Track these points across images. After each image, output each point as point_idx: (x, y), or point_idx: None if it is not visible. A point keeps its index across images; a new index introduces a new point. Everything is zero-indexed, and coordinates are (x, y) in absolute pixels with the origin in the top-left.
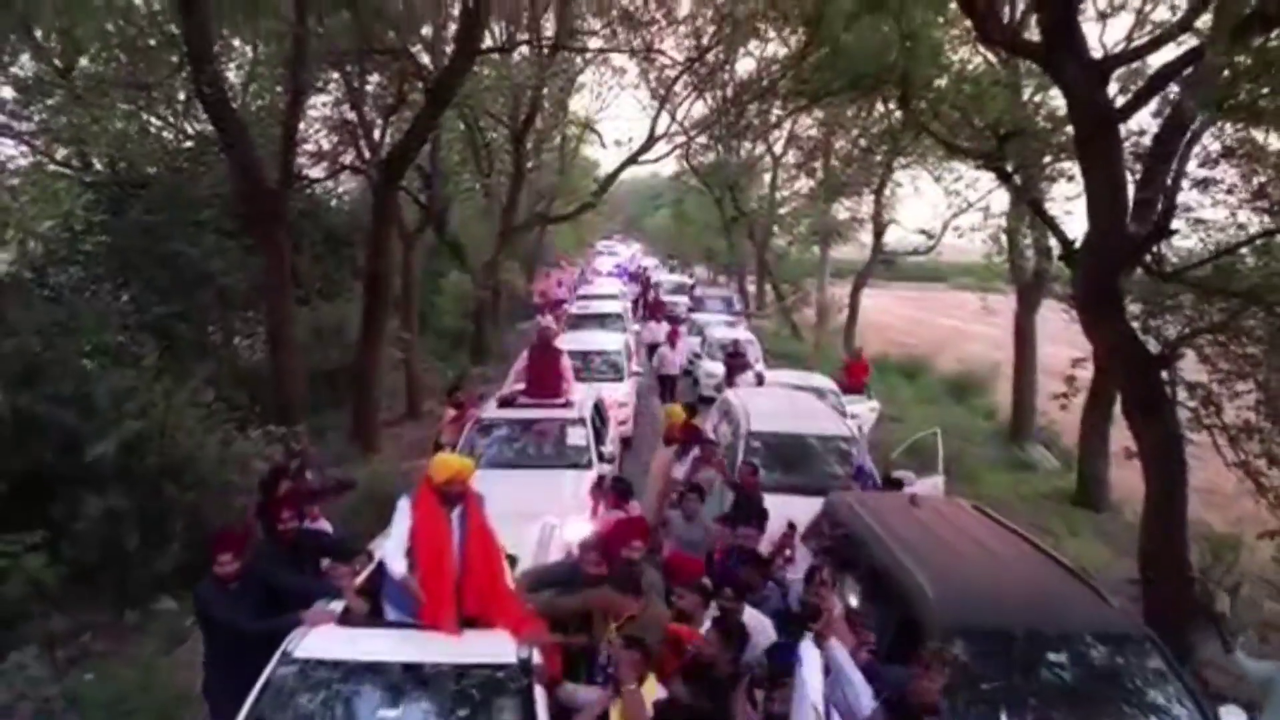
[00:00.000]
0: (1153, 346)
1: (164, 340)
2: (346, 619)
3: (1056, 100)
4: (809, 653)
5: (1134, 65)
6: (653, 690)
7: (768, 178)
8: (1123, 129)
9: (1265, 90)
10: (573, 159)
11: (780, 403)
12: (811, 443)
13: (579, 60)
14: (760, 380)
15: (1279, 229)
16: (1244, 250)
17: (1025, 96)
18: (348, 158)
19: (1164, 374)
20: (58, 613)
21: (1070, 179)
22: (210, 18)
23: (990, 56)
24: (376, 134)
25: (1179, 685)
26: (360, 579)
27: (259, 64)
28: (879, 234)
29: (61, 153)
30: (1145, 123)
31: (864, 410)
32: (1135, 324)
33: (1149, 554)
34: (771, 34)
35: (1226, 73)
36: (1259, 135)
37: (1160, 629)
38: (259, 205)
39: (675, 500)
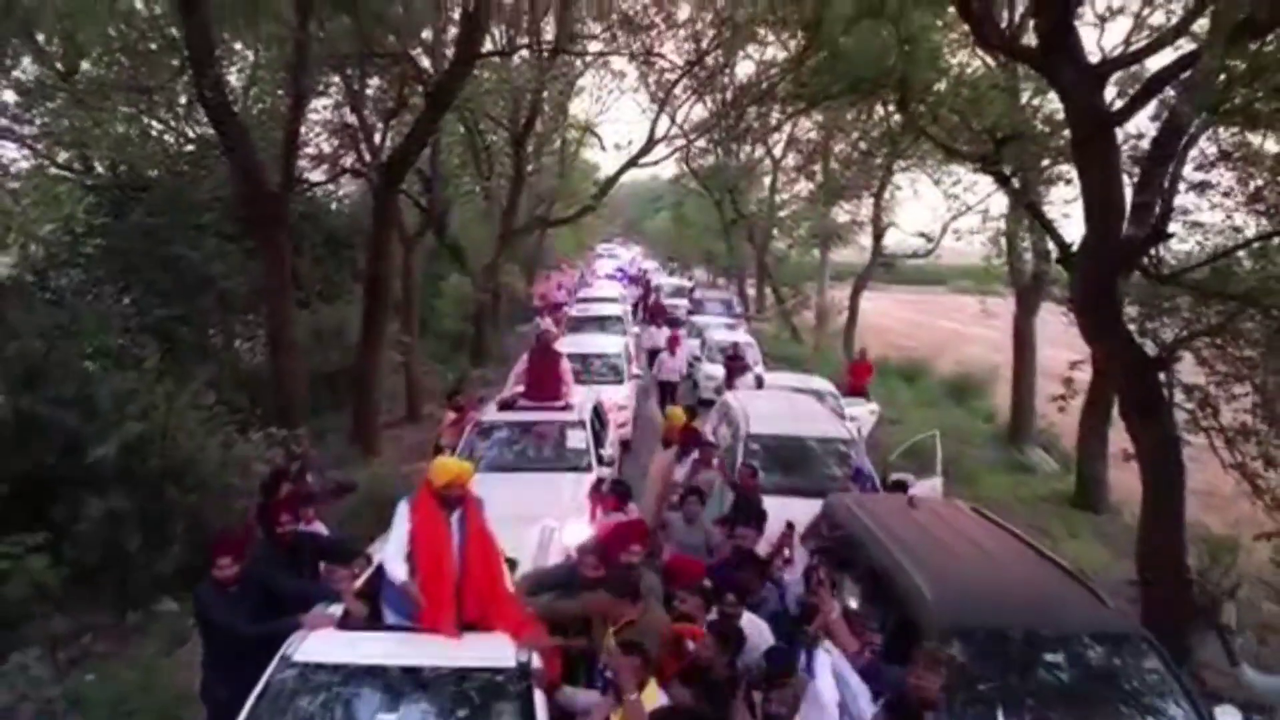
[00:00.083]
0: (1150, 349)
1: (165, 343)
2: (346, 622)
3: (1054, 104)
4: (822, 660)
5: (1132, 69)
6: (653, 695)
7: (767, 181)
8: (1120, 132)
9: (1260, 94)
10: (573, 162)
11: (779, 405)
12: (810, 445)
13: (579, 64)
14: (760, 383)
15: (1276, 232)
16: (1241, 253)
17: (1023, 100)
18: (348, 161)
19: (1161, 376)
20: (59, 614)
21: (1068, 182)
22: (211, 22)
23: (989, 60)
24: (377, 137)
25: (1175, 686)
26: (359, 582)
27: (260, 68)
28: (878, 237)
29: (63, 156)
30: (1143, 126)
31: (863, 412)
32: (1133, 326)
33: (1147, 556)
34: (770, 38)
35: (1223, 77)
36: (1255, 139)
37: (1158, 630)
38: (260, 208)
39: (675, 503)
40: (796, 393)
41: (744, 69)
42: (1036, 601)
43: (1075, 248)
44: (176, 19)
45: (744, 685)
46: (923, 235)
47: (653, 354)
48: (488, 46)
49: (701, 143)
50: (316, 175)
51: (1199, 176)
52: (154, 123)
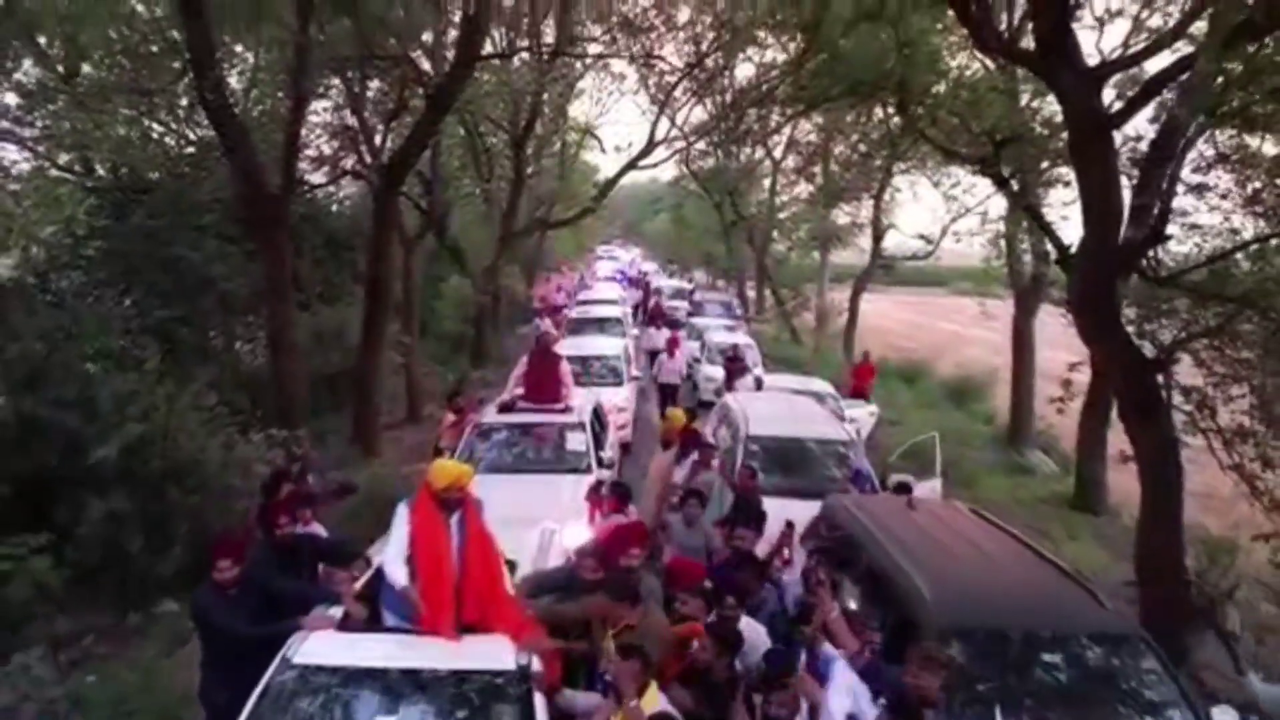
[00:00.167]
0: (1148, 351)
1: (166, 344)
2: (345, 624)
3: (1053, 106)
4: (839, 668)
5: (1130, 71)
6: (654, 699)
7: (767, 183)
8: (1119, 135)
9: (1257, 97)
10: (572, 164)
11: (779, 407)
12: (810, 446)
13: (579, 66)
14: (759, 385)
15: (1273, 234)
16: (1239, 255)
17: (1022, 103)
18: (349, 163)
19: (1159, 378)
20: (61, 615)
21: (1067, 184)
22: (212, 24)
23: (988, 63)
24: (377, 139)
25: (1172, 686)
26: (359, 584)
27: (260, 70)
28: (878, 239)
29: (64, 158)
30: (1142, 128)
31: (862, 414)
32: (1131, 328)
33: (1145, 557)
34: (770, 40)
35: (1220, 80)
36: (1253, 141)
37: (1157, 631)
38: (260, 210)
39: (675, 504)
40: (796, 394)
41: (744, 71)
42: (1035, 602)
43: (1073, 250)
44: (178, 21)
45: (743, 687)
46: (922, 237)
47: (653, 356)
48: (488, 49)
49: (701, 145)
50: (317, 177)
51: (1197, 179)
52: (155, 125)
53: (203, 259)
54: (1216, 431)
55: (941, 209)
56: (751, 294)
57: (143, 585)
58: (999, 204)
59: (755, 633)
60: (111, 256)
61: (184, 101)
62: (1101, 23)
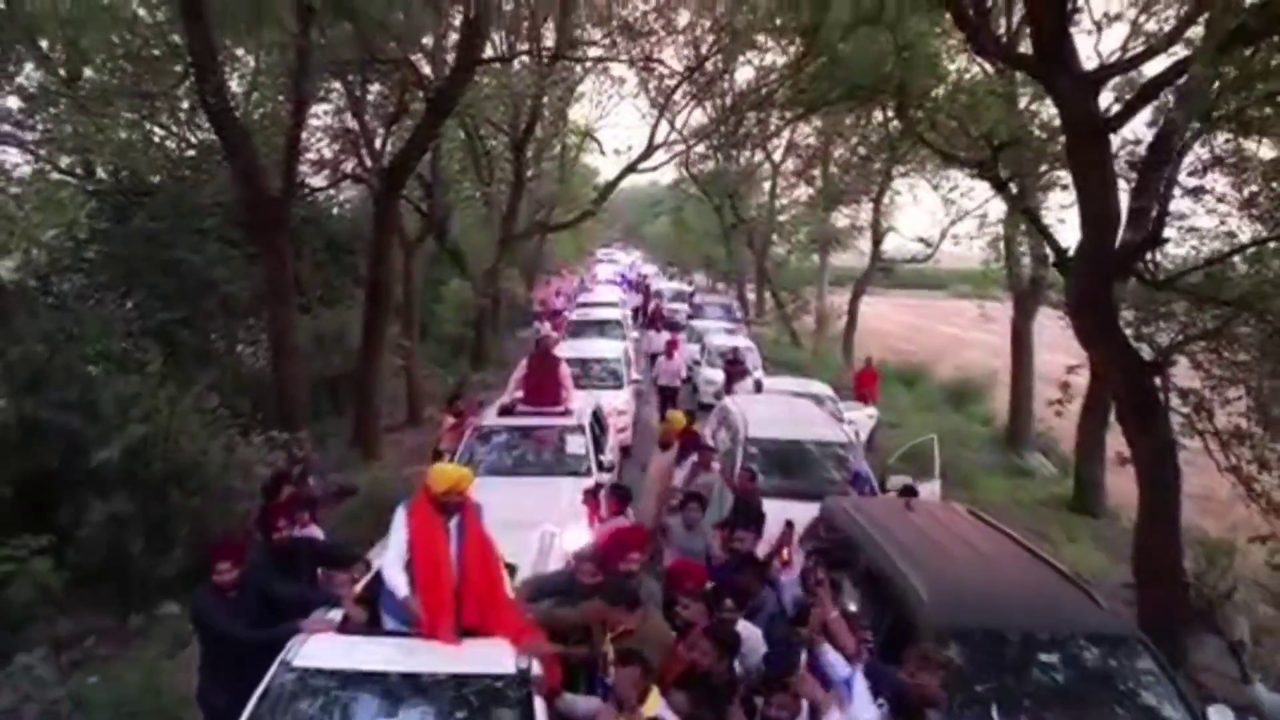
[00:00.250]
0: (1146, 353)
1: (167, 347)
2: (345, 628)
3: (1051, 109)
4: (859, 682)
5: (1129, 75)
6: (655, 703)
7: (767, 185)
8: (1118, 138)
9: (1251, 101)
10: (572, 167)
11: (778, 409)
12: (809, 448)
13: (579, 69)
14: (759, 387)
15: (1270, 238)
16: (1236, 258)
17: (1021, 106)
18: (349, 166)
19: (1157, 380)
20: (62, 616)
21: (1065, 188)
22: (213, 28)
23: (986, 66)
24: (378, 143)
25: (1169, 686)
26: (359, 587)
27: (261, 73)
28: (877, 242)
29: (66, 161)
30: (1140, 132)
31: (861, 416)
32: (1129, 331)
33: (1143, 559)
34: (769, 44)
35: (1216, 84)
36: (1251, 144)
37: (1155, 633)
38: (262, 213)
39: (676, 507)
40: (795, 397)
41: (743, 75)
42: (1032, 603)
43: (1071, 253)
44: (179, 25)
45: (743, 689)
46: (921, 240)
47: (653, 359)
48: (488, 53)
49: (701, 148)
50: (318, 180)
51: (1194, 182)
52: (156, 128)
53: (204, 262)
54: (1214, 433)
55: (941, 212)
56: (751, 297)
57: (144, 587)
58: (998, 207)
59: (752, 635)
60: (113, 259)
61: (185, 105)
62: (1099, 27)
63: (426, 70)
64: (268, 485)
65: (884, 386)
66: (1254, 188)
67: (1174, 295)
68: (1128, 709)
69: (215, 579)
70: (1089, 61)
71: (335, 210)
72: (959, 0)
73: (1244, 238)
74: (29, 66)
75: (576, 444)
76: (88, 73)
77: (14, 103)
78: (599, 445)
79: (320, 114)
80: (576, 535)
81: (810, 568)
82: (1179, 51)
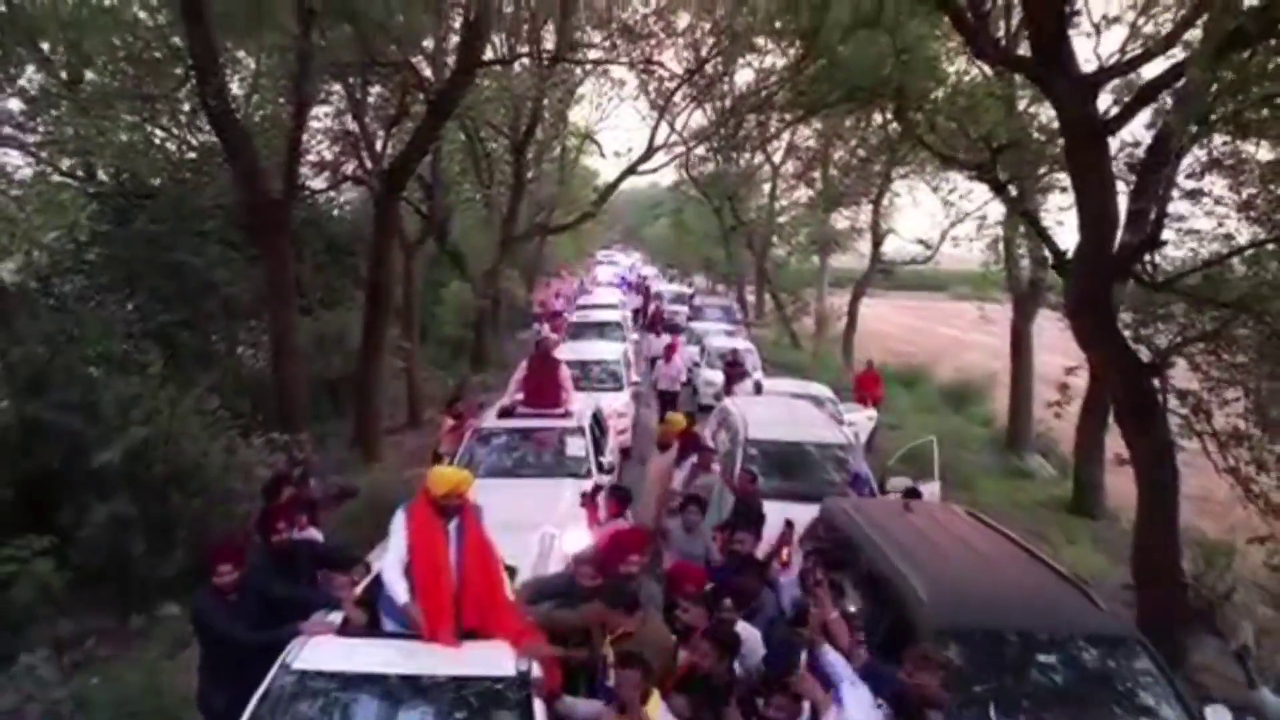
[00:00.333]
0: (1144, 355)
1: (168, 348)
2: (345, 630)
3: (1050, 112)
4: (847, 690)
5: (1128, 77)
6: (655, 707)
7: (767, 187)
8: (1117, 140)
9: (1247, 104)
10: (572, 169)
11: (778, 411)
12: (808, 450)
13: (579, 72)
14: (758, 389)
15: (1268, 240)
16: (1234, 260)
17: (1020, 108)
18: (350, 168)
19: (1155, 382)
20: (63, 617)
21: (1063, 190)
22: (214, 31)
23: (986, 69)
24: (378, 145)
25: (1166, 686)
26: (359, 589)
27: (262, 76)
28: (877, 243)
29: (67, 163)
30: (1139, 134)
31: (861, 418)
32: (1127, 333)
33: (1142, 560)
34: (769, 46)
35: (1215, 87)
36: (1249, 147)
37: (1154, 634)
38: (262, 215)
39: (675, 509)
40: (795, 399)
41: (743, 77)
42: (1030, 603)
43: (1070, 255)
44: (180, 28)
45: (743, 690)
46: (921, 242)
47: (653, 363)
48: (488, 55)
49: (701, 150)
50: (318, 182)
51: (1192, 184)
52: (157, 131)
53: (205, 264)
54: (1212, 435)
55: (940, 214)
56: (751, 298)
57: (145, 588)
58: (997, 209)
59: (749, 635)
60: (114, 261)
61: (186, 107)
62: (1098, 29)
63: (427, 73)
64: (268, 486)
65: (884, 388)
66: (1252, 190)
67: (1172, 297)
68: (1125, 709)
69: (215, 581)
70: (1088, 64)
71: (336, 212)
72: (957, 3)
73: (1242, 240)
74: (30, 69)
75: (576, 446)
76: (89, 75)
77: (15, 105)
78: (599, 447)
79: (321, 116)
80: (576, 537)
81: (809, 568)
82: (1177, 54)
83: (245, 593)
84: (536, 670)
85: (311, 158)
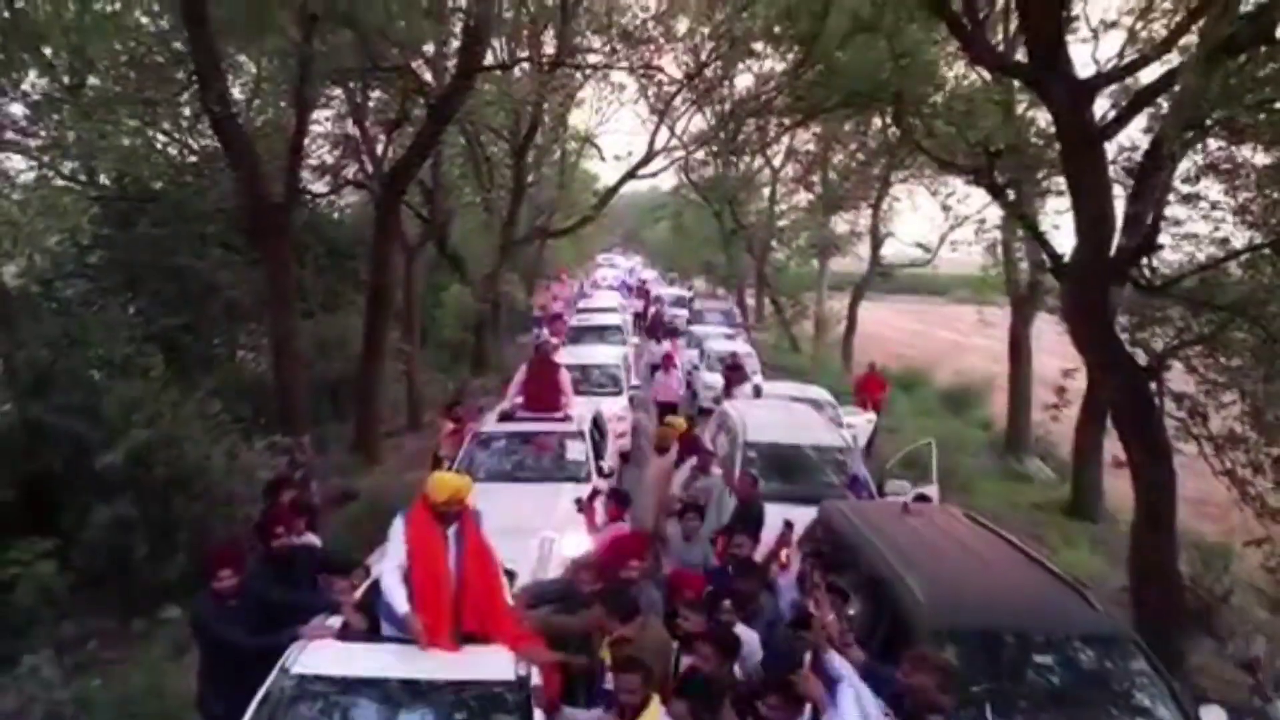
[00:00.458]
0: (1141, 358)
1: (170, 352)
2: (345, 634)
3: (1048, 116)
4: (843, 691)
5: (1126, 82)
6: (655, 712)
7: (766, 191)
8: (1115, 144)
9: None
10: (572, 173)
11: (777, 414)
12: (808, 453)
13: (579, 76)
14: (758, 392)
15: (1263, 244)
16: (1230, 264)
17: (1018, 112)
18: (351, 172)
19: (1152, 385)
20: (65, 619)
21: (1060, 194)
22: (216, 36)
23: (984, 73)
24: (379, 149)
25: (1161, 686)
26: (358, 593)
27: (263, 80)
28: (877, 247)
29: (69, 168)
30: (1137, 138)
31: (860, 421)
32: (1124, 336)
33: (1140, 562)
34: (768, 51)
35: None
36: (1245, 152)
37: (1151, 635)
38: (264, 219)
39: (675, 514)
40: (794, 402)
41: (742, 81)
42: (1027, 605)
43: (1067, 259)
44: (182, 33)
45: (743, 691)
46: (920, 245)
47: (654, 370)
48: (489, 60)
49: (701, 154)
50: (319, 186)
51: (1188, 189)
52: (159, 135)
53: (206, 268)
54: (1208, 438)
55: (939, 217)
56: (751, 302)
57: (146, 590)
58: (995, 213)
59: (749, 638)
60: (116, 265)
61: (188, 112)
62: (1096, 34)
63: (427, 77)
64: (269, 488)
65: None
66: (1247, 194)
67: (1169, 301)
68: (1121, 709)
69: (214, 586)
70: (1087, 68)
71: (337, 216)
72: (953, 9)
73: (1238, 244)
74: (33, 74)
75: (576, 450)
76: (91, 80)
77: (18, 110)
78: (599, 451)
79: (322, 120)
80: (576, 541)
81: (807, 571)
82: (1173, 60)
83: (244, 598)
84: (536, 679)
85: (312, 162)
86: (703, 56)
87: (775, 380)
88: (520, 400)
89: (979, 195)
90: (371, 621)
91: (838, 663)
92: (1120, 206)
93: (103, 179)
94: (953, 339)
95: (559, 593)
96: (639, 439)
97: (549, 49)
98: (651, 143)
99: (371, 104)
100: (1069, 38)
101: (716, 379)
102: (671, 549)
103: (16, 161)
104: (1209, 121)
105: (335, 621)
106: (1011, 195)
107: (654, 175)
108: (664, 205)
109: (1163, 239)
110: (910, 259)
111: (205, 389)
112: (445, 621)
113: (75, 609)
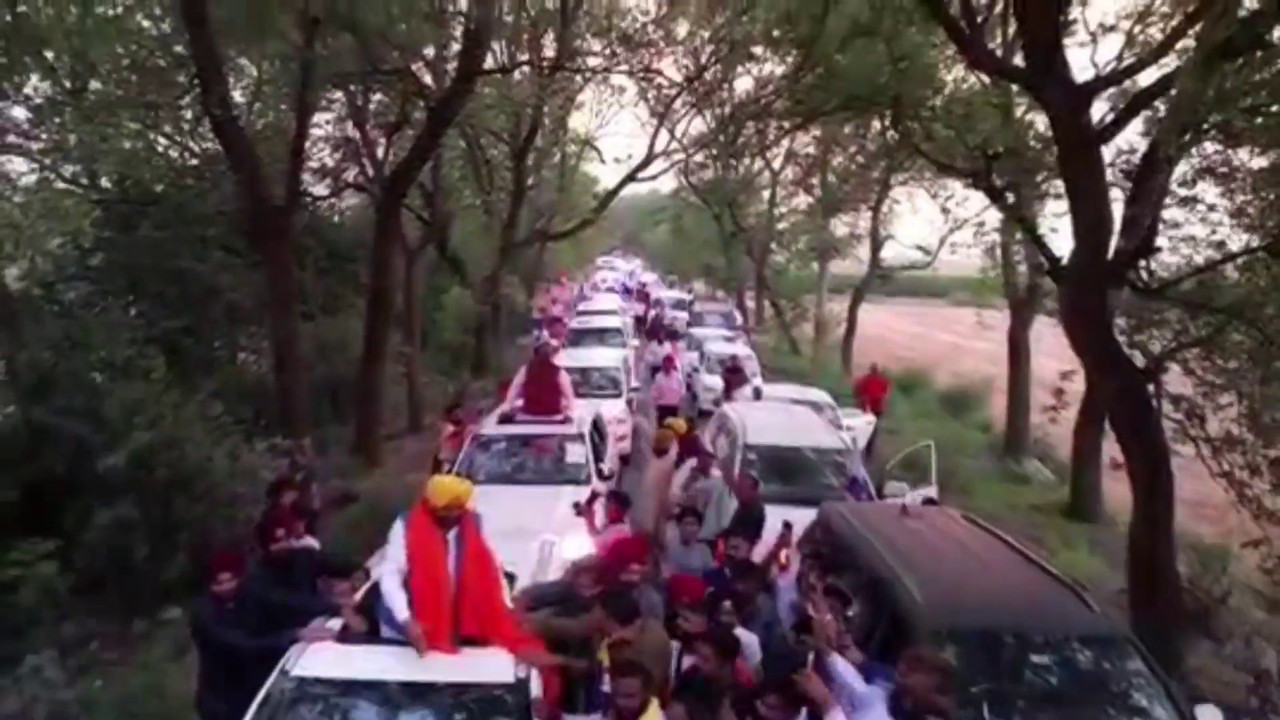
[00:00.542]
0: (1139, 360)
1: (172, 354)
2: (344, 636)
3: (1046, 119)
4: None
5: (1123, 85)
6: (654, 716)
7: (766, 194)
8: (1113, 147)
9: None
10: (572, 176)
11: (777, 416)
12: (807, 455)
13: (579, 79)
14: (758, 394)
15: (1260, 246)
16: (1228, 266)
17: (1017, 115)
18: (351, 175)
19: (1150, 387)
20: (67, 620)
21: (1059, 197)
22: (217, 39)
23: (983, 77)
24: (379, 152)
25: (1157, 686)
26: (358, 596)
27: (264, 84)
28: (876, 249)
29: (70, 170)
30: (1135, 141)
31: (860, 423)
32: (1121, 338)
33: (1138, 564)
34: (768, 55)
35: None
36: (1241, 154)
37: (1149, 636)
38: (264, 222)
39: (674, 517)
40: (794, 404)
41: (742, 84)
42: (1025, 605)
43: (1065, 261)
44: (183, 37)
45: (742, 692)
46: (920, 248)
47: (654, 372)
48: (489, 63)
49: (700, 156)
50: (320, 189)
51: (1185, 192)
52: (160, 138)
53: (208, 270)
54: (1206, 440)
55: (939, 220)
56: (751, 305)
57: (148, 591)
58: (994, 216)
59: (748, 640)
60: (117, 268)
61: (189, 115)
62: (1094, 37)
63: (428, 80)
64: (270, 489)
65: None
66: (1244, 197)
67: (1166, 303)
68: (1117, 709)
69: (214, 589)
70: (1085, 72)
71: (337, 219)
72: (951, 13)
73: (1235, 246)
74: (35, 77)
75: (576, 452)
76: (93, 84)
77: (20, 113)
78: (599, 454)
79: (322, 123)
80: (575, 544)
81: (806, 572)
82: (1170, 63)
83: (244, 601)
84: (536, 690)
85: (313, 165)
86: (702, 60)
87: (775, 382)
88: (520, 403)
89: (978, 198)
90: (371, 624)
91: (841, 666)
92: (1118, 209)
93: (104, 182)
94: (952, 341)
95: (559, 595)
96: (639, 441)
97: (549, 52)
98: (651, 145)
99: (372, 107)
100: (1067, 41)
101: (716, 381)
102: (670, 555)
103: (19, 164)
104: (1206, 125)
105: (335, 624)
106: (1010, 198)
107: (654, 178)
108: (664, 208)
109: (1160, 242)
110: (910, 261)
111: (206, 391)
112: (444, 625)
113: (76, 610)
